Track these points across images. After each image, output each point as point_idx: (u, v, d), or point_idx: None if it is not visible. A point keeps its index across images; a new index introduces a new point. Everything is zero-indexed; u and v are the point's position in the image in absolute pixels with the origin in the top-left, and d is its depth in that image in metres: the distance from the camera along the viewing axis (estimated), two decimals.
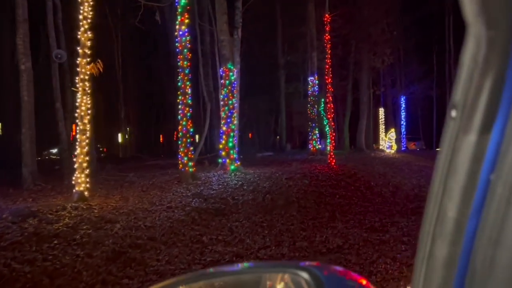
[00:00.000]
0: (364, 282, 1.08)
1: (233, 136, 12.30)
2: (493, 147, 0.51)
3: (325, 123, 28.47)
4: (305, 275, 1.05)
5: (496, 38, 0.48)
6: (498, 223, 0.48)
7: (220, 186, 10.46)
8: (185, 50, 10.61)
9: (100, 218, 7.06)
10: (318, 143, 20.75)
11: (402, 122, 35.10)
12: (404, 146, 34.76)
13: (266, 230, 8.41)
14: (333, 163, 14.24)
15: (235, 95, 12.49)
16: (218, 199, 9.37)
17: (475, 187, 0.52)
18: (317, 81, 20.78)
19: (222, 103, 12.40)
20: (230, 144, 12.22)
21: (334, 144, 14.71)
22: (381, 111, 35.47)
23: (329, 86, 14.59)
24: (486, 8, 0.47)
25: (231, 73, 12.27)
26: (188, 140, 10.59)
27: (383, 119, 35.60)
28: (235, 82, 12.45)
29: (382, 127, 35.18)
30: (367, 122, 32.10)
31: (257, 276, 1.27)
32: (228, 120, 12.25)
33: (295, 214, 9.54)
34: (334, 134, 14.85)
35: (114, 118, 33.90)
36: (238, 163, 12.46)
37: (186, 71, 10.66)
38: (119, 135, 33.26)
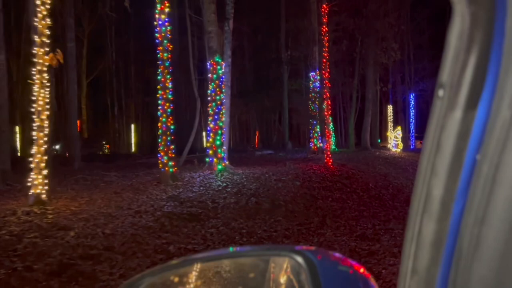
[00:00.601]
0: (361, 270, 1.05)
1: (221, 134, 11.54)
2: (479, 124, 0.51)
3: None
4: (299, 259, 1.04)
5: (478, 13, 0.49)
6: (484, 203, 0.49)
7: (202, 188, 9.71)
8: (165, 41, 9.84)
9: (53, 224, 6.36)
10: (320, 141, 19.87)
11: (411, 120, 33.98)
12: (413, 144, 33.65)
13: (244, 237, 7.66)
14: (330, 163, 13.40)
15: (223, 90, 11.71)
16: (196, 203, 8.63)
17: (461, 165, 0.53)
18: (318, 77, 19.88)
19: (209, 98, 11.64)
20: (218, 142, 11.46)
21: (331, 142, 13.82)
22: (390, 108, 34.45)
23: (327, 81, 13.68)
24: None
25: (218, 67, 11.48)
26: (169, 138, 9.83)
27: (391, 117, 34.60)
28: (223, 77, 11.66)
29: (390, 125, 34.20)
30: (374, 120, 31.17)
31: (254, 259, 1.27)
32: (216, 117, 11.49)
33: (280, 219, 8.77)
34: (331, 132, 13.94)
35: (122, 115, 33.42)
36: (226, 162, 11.70)
37: (167, 64, 9.90)
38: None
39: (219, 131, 11.53)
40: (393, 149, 23.67)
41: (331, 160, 13.51)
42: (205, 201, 8.84)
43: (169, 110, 9.83)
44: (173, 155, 9.98)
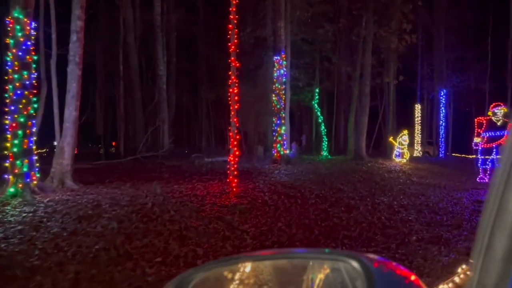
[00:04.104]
0: (413, 277, 0.98)
1: (23, 136, 7.12)
2: None
3: (319, 120, 22.39)
4: (355, 264, 1.00)
5: None
6: None
7: None
8: None
9: None
10: (284, 147, 14.89)
11: (440, 121, 27.87)
12: (443, 153, 27.45)
13: None
14: (233, 184, 8.59)
15: (33, 65, 7.30)
16: None
17: None
18: (284, 62, 14.93)
19: (6, 77, 7.27)
20: (16, 149, 7.07)
21: (236, 152, 8.89)
22: (418, 108, 28.66)
23: (233, 59, 8.67)
24: None
25: (18, 26, 7.08)
26: None
27: (419, 118, 28.80)
28: (28, 43, 7.24)
29: (418, 128, 28.40)
30: (388, 121, 25.66)
31: (305, 261, 1.25)
32: (13, 108, 7.10)
33: None
34: (237, 136, 8.99)
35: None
36: (29, 181, 7.25)
37: None
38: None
39: (19, 132, 7.12)
40: (397, 159, 18.10)
41: (236, 180, 8.65)
42: None
43: None
44: None
